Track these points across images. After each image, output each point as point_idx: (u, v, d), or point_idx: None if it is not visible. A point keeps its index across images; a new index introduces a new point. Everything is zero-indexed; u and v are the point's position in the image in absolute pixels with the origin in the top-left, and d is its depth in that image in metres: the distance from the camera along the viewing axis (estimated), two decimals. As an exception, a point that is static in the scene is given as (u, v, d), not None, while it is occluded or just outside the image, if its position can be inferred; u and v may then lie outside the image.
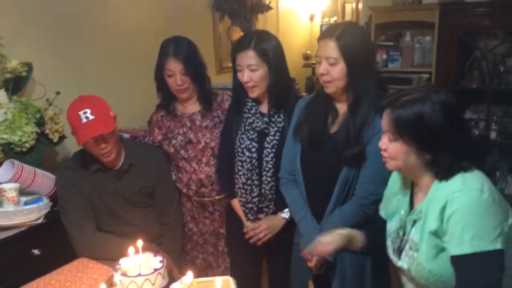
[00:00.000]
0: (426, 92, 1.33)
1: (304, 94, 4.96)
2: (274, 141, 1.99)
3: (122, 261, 1.56)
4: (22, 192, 2.02)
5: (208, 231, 2.28)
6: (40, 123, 2.16)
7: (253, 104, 2.02)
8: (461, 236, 1.24)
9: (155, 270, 1.52)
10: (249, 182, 2.03)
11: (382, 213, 1.62)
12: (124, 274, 1.50)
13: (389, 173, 1.58)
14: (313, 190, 1.85)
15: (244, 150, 2.01)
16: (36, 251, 1.96)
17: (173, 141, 2.20)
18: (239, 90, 2.03)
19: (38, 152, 2.13)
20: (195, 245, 2.31)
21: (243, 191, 2.05)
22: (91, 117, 1.85)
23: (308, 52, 5.23)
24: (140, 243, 1.55)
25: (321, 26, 5.45)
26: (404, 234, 1.46)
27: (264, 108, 2.03)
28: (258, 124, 2.00)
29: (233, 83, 2.06)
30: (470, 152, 1.34)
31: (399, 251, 1.47)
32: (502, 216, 1.27)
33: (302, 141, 1.84)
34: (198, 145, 2.18)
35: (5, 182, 1.99)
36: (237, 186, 2.07)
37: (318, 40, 1.75)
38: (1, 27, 2.15)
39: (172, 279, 1.58)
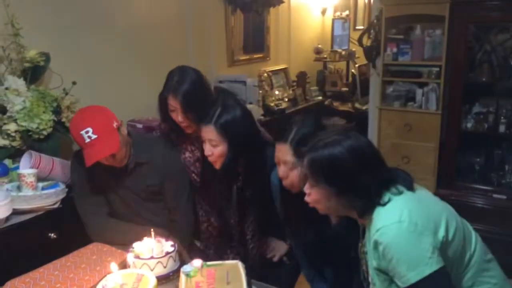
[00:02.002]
0: (337, 136, 1.39)
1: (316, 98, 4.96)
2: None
3: (136, 245, 1.62)
4: (39, 178, 2.08)
5: None
6: (57, 111, 2.22)
7: None
8: (400, 270, 1.27)
9: (167, 253, 1.58)
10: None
11: None
12: (137, 257, 1.56)
13: None
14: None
15: None
16: (52, 235, 2.02)
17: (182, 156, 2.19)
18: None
19: (55, 139, 2.19)
20: (209, 236, 2.29)
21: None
22: (93, 136, 1.79)
23: (319, 46, 5.23)
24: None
25: (333, 20, 5.44)
26: (366, 266, 1.49)
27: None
28: None
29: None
30: (385, 186, 1.37)
31: (366, 281, 1.51)
32: (429, 233, 1.28)
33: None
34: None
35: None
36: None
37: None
38: (20, 18, 2.21)
39: (182, 262, 1.64)
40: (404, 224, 1.27)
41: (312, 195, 1.43)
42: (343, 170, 1.35)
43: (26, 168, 2.08)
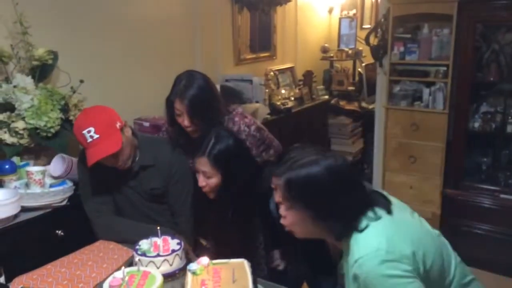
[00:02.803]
0: (314, 156, 1.33)
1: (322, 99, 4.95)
2: None
3: (142, 242, 1.63)
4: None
5: None
6: (65, 109, 2.23)
7: None
8: None
9: (173, 251, 1.59)
10: None
11: None
12: (143, 255, 1.57)
13: None
14: None
15: None
16: (60, 232, 2.05)
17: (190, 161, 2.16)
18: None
19: (63, 137, 2.21)
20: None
21: None
22: (95, 136, 1.79)
23: (326, 45, 5.22)
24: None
25: (340, 19, 5.43)
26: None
27: None
28: None
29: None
30: (363, 210, 1.33)
31: None
32: (408, 260, 1.24)
33: None
34: None
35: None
36: None
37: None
38: (29, 17, 2.23)
39: (189, 260, 1.65)
40: (381, 252, 1.23)
41: (288, 218, 1.37)
42: (321, 191, 1.30)
43: (58, 171, 2.12)
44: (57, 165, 2.14)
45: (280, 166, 1.37)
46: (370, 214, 1.32)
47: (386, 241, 1.25)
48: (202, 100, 2.04)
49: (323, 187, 1.30)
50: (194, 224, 2.14)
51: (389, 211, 1.35)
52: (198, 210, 2.13)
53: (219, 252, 2.15)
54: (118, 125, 1.88)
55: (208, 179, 1.88)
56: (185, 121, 2.04)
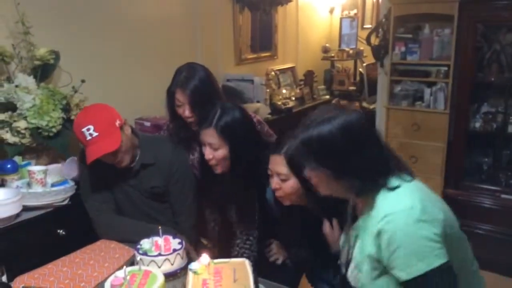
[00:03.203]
0: (328, 114, 1.31)
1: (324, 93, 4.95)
2: None
3: (143, 242, 1.63)
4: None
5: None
6: (66, 109, 2.24)
7: None
8: (406, 261, 1.20)
9: (174, 250, 1.58)
10: None
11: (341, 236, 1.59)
12: (145, 254, 1.57)
13: None
14: None
15: None
16: (61, 231, 2.05)
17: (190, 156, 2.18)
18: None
19: (64, 137, 2.21)
20: (215, 234, 2.28)
21: None
22: (94, 134, 1.80)
23: (327, 45, 5.23)
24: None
25: (341, 19, 5.43)
26: (349, 249, 1.43)
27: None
28: None
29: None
30: (384, 170, 1.30)
31: (346, 265, 1.45)
32: (439, 224, 1.23)
33: None
34: None
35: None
36: None
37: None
38: (30, 17, 2.24)
39: (190, 260, 1.64)
40: (415, 211, 1.21)
41: (312, 179, 1.36)
42: (334, 150, 1.27)
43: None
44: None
45: (297, 128, 1.36)
46: (398, 174, 1.31)
47: (420, 202, 1.23)
48: (203, 90, 2.04)
49: (335, 146, 1.27)
50: (196, 224, 2.15)
51: (413, 177, 1.33)
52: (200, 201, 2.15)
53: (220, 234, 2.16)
54: (117, 123, 1.88)
55: (215, 151, 1.87)
56: (186, 112, 2.05)
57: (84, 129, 1.81)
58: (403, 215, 1.22)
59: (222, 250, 2.17)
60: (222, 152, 1.86)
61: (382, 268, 1.28)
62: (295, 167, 1.63)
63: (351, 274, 1.41)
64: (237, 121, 1.87)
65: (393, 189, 1.28)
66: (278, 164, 1.70)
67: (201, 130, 1.89)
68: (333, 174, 1.30)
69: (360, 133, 1.30)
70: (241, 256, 2.01)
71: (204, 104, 2.01)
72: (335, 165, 1.29)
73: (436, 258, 1.19)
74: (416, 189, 1.29)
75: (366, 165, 1.28)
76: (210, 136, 1.85)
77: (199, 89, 2.03)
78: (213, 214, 2.20)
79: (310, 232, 1.79)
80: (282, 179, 1.70)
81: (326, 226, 1.71)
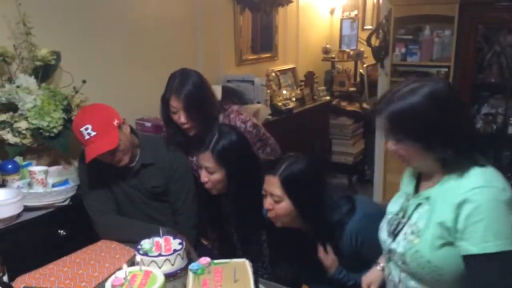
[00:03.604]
0: (413, 84, 1.28)
1: (324, 92, 4.96)
2: None
3: (144, 242, 1.64)
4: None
5: None
6: (67, 109, 2.24)
7: None
8: (484, 234, 1.18)
9: (175, 251, 1.59)
10: None
11: (388, 206, 1.57)
12: (145, 254, 1.57)
13: None
14: None
15: None
16: (62, 232, 2.05)
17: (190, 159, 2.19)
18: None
19: (65, 137, 2.21)
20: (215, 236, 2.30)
21: None
22: (92, 133, 1.82)
23: (327, 46, 5.22)
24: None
25: (341, 20, 5.43)
26: (403, 217, 1.41)
27: None
28: None
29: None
30: (476, 144, 1.29)
31: (394, 233, 1.42)
32: None
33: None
34: None
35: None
36: None
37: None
38: (32, 17, 2.24)
39: (190, 260, 1.65)
40: (507, 193, 1.21)
41: (399, 151, 1.32)
42: (423, 121, 1.23)
43: None
44: None
45: (378, 103, 1.33)
46: (483, 154, 1.29)
47: (510, 186, 1.23)
48: (197, 96, 2.05)
49: (425, 116, 1.24)
50: (197, 224, 2.15)
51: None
52: (201, 209, 2.15)
53: (221, 251, 2.17)
54: (115, 122, 1.89)
55: (210, 174, 1.88)
56: (181, 118, 2.05)
57: (82, 129, 1.82)
58: (495, 191, 1.21)
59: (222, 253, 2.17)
60: (218, 176, 1.88)
61: (448, 239, 1.26)
62: (289, 190, 1.66)
63: (402, 239, 1.38)
64: (234, 145, 1.88)
65: (482, 166, 1.26)
66: (272, 185, 1.70)
67: (198, 154, 1.91)
68: (423, 146, 1.27)
69: (449, 100, 1.27)
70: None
71: (199, 109, 2.02)
72: (425, 136, 1.25)
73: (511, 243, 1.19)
74: (501, 175, 1.27)
75: (458, 133, 1.25)
76: (206, 160, 1.87)
77: (193, 94, 2.04)
78: (214, 233, 2.21)
79: (301, 251, 1.82)
80: (275, 200, 1.70)
81: (321, 251, 1.73)
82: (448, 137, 1.24)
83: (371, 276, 1.59)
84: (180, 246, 1.63)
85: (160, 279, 1.41)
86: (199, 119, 2.06)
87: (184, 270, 1.58)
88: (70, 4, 2.55)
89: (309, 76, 4.76)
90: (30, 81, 2.18)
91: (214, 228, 2.22)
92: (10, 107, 2.15)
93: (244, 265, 1.51)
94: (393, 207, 1.50)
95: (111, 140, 1.85)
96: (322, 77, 5.26)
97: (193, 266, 1.47)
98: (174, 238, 1.67)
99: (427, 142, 1.26)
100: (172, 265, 1.58)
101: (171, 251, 1.59)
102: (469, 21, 3.30)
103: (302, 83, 4.71)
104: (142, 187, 2.04)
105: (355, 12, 5.46)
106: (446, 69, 3.49)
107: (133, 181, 2.04)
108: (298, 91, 4.51)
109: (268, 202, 1.72)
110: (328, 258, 1.73)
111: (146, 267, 1.50)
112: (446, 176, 1.31)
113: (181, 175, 2.09)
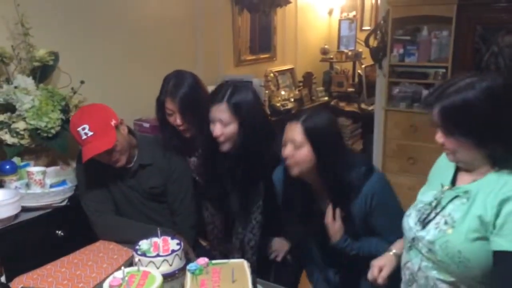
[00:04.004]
0: (470, 79, 1.25)
1: (321, 92, 4.97)
2: None
3: (142, 243, 1.64)
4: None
5: None
6: (65, 110, 2.24)
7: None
8: None
9: (173, 251, 1.58)
10: None
11: (419, 196, 1.55)
12: (143, 255, 1.57)
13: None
14: None
15: None
16: (60, 232, 2.05)
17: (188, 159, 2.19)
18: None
19: (63, 138, 2.21)
20: (214, 237, 2.27)
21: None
22: (89, 133, 1.81)
23: (326, 46, 5.23)
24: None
25: (340, 20, 5.44)
26: (436, 207, 1.39)
27: None
28: None
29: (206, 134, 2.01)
30: None
31: (425, 222, 1.40)
32: None
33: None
34: None
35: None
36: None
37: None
38: (30, 18, 2.24)
39: (188, 260, 1.65)
40: None
41: (447, 144, 1.31)
42: (479, 116, 1.21)
43: None
44: None
45: (431, 94, 1.31)
46: None
47: None
48: (192, 98, 2.03)
49: (481, 112, 1.21)
50: (195, 224, 2.15)
51: None
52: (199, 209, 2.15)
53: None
54: (113, 122, 1.89)
55: (225, 127, 1.84)
56: (177, 120, 2.04)
57: (79, 129, 1.82)
58: None
59: (221, 253, 2.17)
60: (232, 128, 1.84)
61: (483, 233, 1.25)
62: (311, 136, 1.64)
63: (433, 228, 1.37)
64: (249, 101, 1.86)
65: None
66: (293, 131, 1.67)
67: (212, 107, 1.87)
68: (474, 141, 1.25)
69: (505, 97, 1.24)
70: (242, 241, 2.02)
71: (195, 110, 2.01)
72: (478, 132, 1.24)
73: None
74: None
75: (510, 131, 1.23)
76: (221, 111, 1.83)
77: (189, 96, 2.03)
78: (213, 218, 2.20)
79: (311, 223, 1.79)
80: (296, 145, 1.67)
81: (329, 216, 1.70)
82: (501, 134, 1.23)
83: (383, 259, 1.58)
84: (178, 247, 1.63)
85: (158, 279, 1.41)
86: (195, 121, 2.05)
87: (182, 270, 1.58)
88: (69, 5, 2.55)
89: (308, 76, 4.77)
90: (28, 82, 2.18)
91: (213, 210, 2.18)
92: (8, 107, 2.15)
93: (242, 265, 1.51)
94: (425, 197, 1.48)
95: (108, 140, 1.84)
96: (321, 78, 5.27)
97: (191, 266, 1.47)
98: (172, 238, 1.67)
99: (479, 138, 1.25)
100: (170, 265, 1.57)
101: (169, 252, 1.59)
102: (467, 21, 3.31)
103: (301, 84, 4.72)
104: (140, 187, 2.04)
105: (354, 13, 5.48)
106: (444, 70, 3.49)
107: (131, 182, 2.03)
108: (297, 92, 4.52)
109: (288, 149, 1.69)
110: (334, 225, 1.70)
111: (144, 268, 1.50)
112: (491, 172, 1.29)
113: (179, 176, 2.09)
